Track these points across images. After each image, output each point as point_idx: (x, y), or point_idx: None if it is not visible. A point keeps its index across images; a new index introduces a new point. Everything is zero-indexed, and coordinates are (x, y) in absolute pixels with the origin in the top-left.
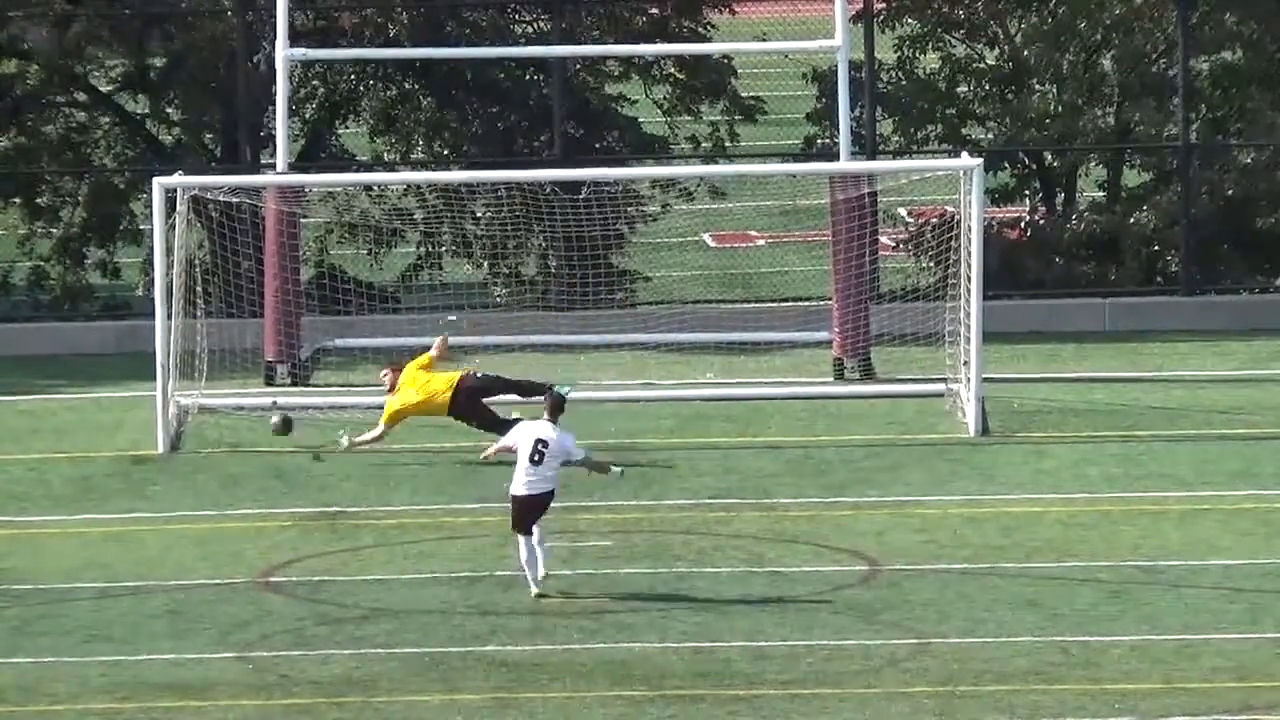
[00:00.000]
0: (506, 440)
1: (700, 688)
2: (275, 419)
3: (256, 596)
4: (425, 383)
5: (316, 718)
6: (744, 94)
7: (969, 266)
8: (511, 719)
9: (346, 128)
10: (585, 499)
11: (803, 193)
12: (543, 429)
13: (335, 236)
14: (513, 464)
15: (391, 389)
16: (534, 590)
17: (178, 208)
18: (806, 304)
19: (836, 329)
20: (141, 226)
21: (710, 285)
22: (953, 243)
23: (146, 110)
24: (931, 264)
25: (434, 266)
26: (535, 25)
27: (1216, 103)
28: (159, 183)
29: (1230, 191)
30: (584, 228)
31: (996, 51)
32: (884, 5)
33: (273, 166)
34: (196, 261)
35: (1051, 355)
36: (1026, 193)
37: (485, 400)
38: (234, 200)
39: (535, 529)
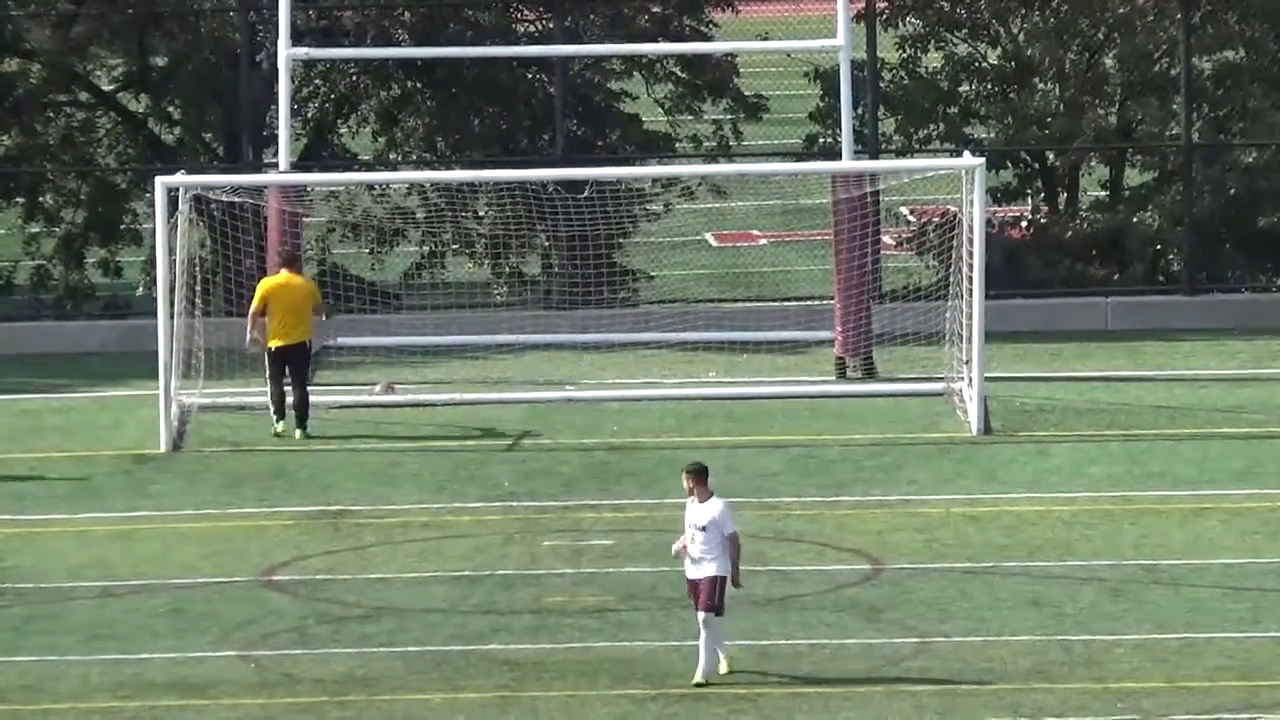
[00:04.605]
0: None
1: (702, 686)
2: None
3: (259, 595)
4: None
5: (319, 716)
6: (746, 93)
7: (970, 266)
8: (514, 717)
9: (349, 127)
10: (587, 498)
11: (805, 192)
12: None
13: (337, 236)
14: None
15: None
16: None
17: (180, 207)
18: (809, 303)
19: (839, 328)
20: (143, 226)
21: (713, 284)
22: (954, 242)
23: (148, 109)
24: (934, 263)
25: (436, 266)
26: (538, 24)
27: (1219, 102)
28: (161, 182)
29: (1233, 191)
30: (586, 227)
31: (999, 50)
32: (886, 4)
33: (275, 166)
34: (198, 261)
35: (1054, 354)
36: (1029, 192)
37: None
38: (236, 199)
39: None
